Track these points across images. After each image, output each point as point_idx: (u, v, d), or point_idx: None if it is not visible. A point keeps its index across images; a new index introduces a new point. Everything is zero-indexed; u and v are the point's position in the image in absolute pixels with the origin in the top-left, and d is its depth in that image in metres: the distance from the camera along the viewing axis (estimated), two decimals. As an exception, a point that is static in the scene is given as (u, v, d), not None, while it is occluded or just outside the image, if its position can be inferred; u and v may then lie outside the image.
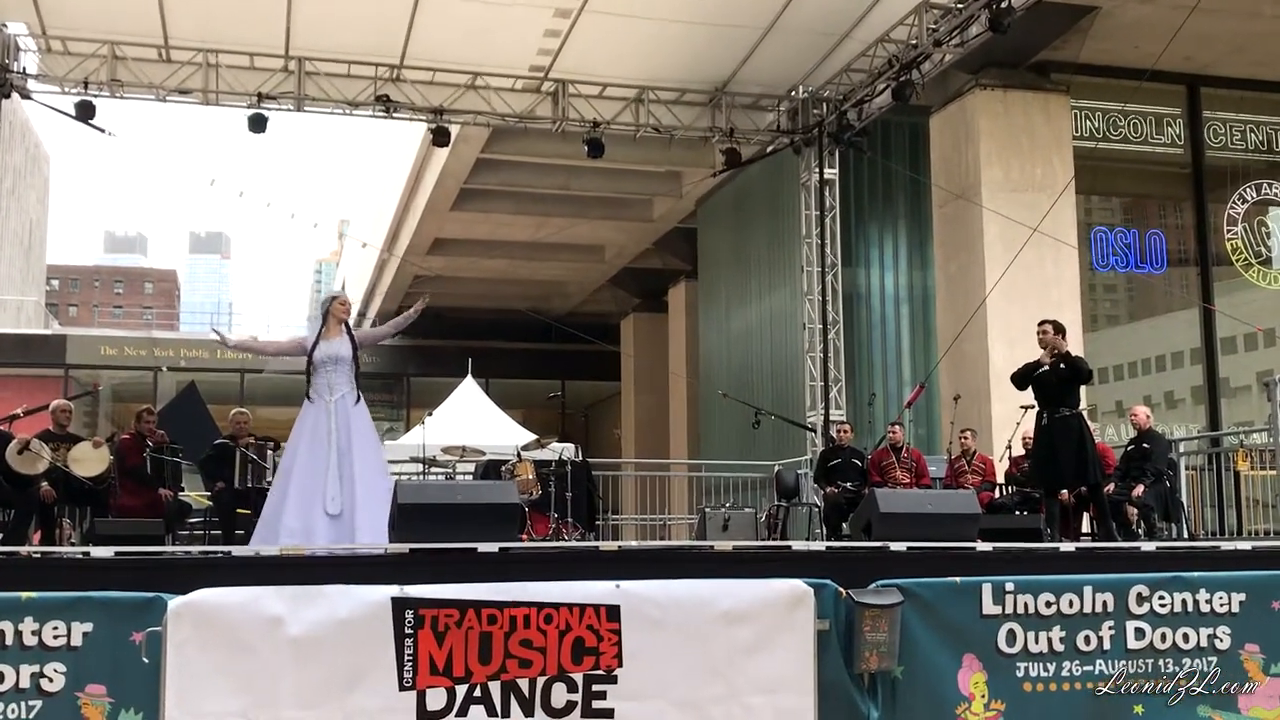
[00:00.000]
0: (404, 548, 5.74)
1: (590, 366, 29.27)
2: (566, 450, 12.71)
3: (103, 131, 13.03)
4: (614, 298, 28.57)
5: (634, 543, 7.18)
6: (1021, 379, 9.60)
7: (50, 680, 4.95)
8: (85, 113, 12.89)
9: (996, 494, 11.92)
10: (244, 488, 10.17)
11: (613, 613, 5.30)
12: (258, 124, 13.23)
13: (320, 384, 7.74)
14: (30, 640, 4.95)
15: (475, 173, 20.61)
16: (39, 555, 6.07)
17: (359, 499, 7.38)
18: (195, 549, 7.13)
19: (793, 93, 14.92)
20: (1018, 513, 11.11)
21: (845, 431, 12.29)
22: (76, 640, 4.97)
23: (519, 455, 11.37)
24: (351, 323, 7.95)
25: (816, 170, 14.59)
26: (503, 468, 11.41)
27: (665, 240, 24.02)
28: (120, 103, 13.44)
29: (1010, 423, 11.80)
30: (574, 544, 7.04)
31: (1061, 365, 9.36)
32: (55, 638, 4.96)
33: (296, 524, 7.24)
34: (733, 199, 20.13)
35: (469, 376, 19.64)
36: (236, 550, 6.55)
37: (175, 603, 5.01)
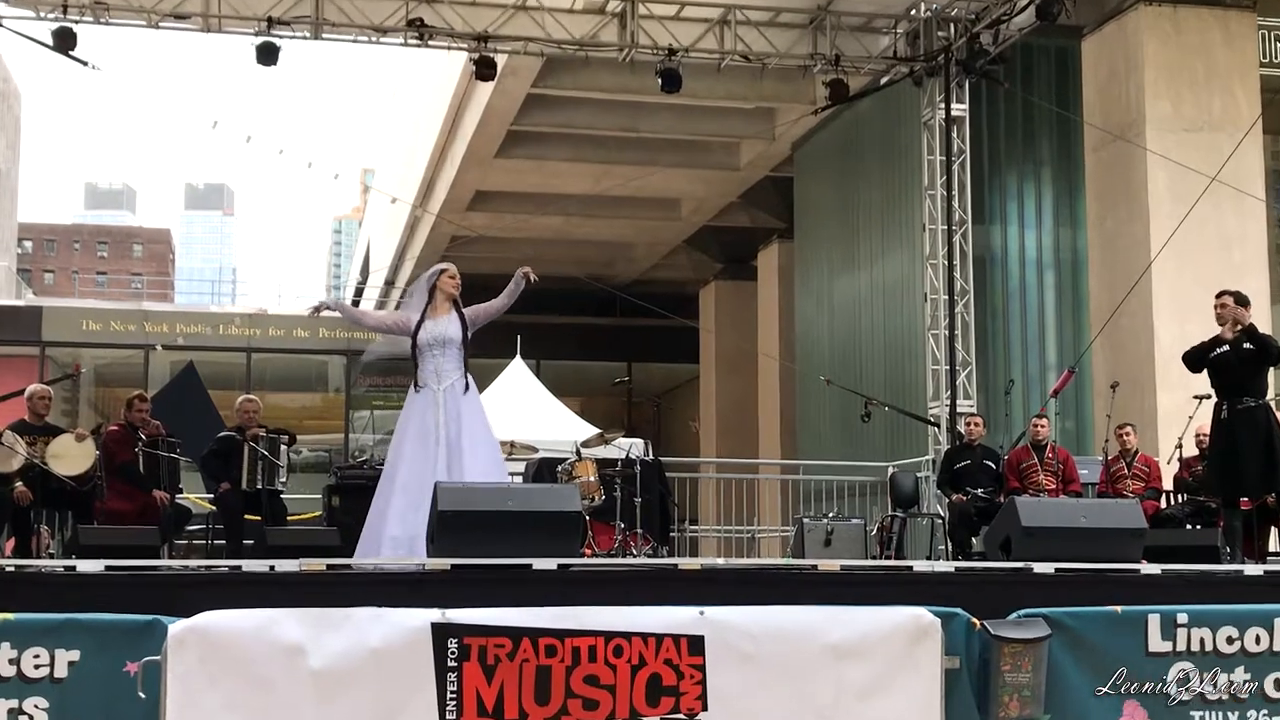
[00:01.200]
0: (445, 563, 5.78)
1: (662, 346, 29.28)
2: (635, 447, 12.72)
3: (85, 65, 13.24)
4: (691, 262, 28.51)
5: (719, 560, 7.18)
6: (1195, 361, 9.42)
7: (31, 718, 5.04)
8: (64, 42, 13.09)
9: (1164, 503, 11.75)
10: (253, 489, 10.33)
11: (695, 645, 5.29)
12: (268, 55, 13.37)
13: (426, 370, 8.01)
14: (6, 670, 5.04)
15: (525, 112, 20.67)
16: (14, 569, 6.16)
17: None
18: (198, 563, 7.26)
19: (913, 11, 14.73)
20: (1190, 527, 10.93)
21: (976, 426, 12.19)
22: (61, 671, 5.07)
23: (578, 453, 11.41)
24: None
25: (941, 106, 14.43)
26: (559, 468, 11.45)
27: (754, 193, 23.91)
28: (105, 30, 13.67)
29: (1181, 416, 11.61)
30: (647, 561, 7.05)
31: (1246, 344, 9.15)
32: (36, 668, 5.06)
33: (401, 532, 7.42)
34: (838, 142, 19.98)
35: (517, 358, 19.74)
36: (247, 564, 6.66)
37: (176, 627, 5.08)
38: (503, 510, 6.04)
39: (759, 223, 25.07)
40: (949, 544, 12.25)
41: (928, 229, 14.47)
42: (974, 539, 12.13)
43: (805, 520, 12.35)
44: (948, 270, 14.22)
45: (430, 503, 6.77)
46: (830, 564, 6.10)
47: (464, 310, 8.27)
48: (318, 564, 5.97)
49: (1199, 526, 11.42)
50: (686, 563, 6.16)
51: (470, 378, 8.08)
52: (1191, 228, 13.72)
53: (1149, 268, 13.92)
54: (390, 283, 33.37)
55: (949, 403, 13.89)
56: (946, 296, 14.23)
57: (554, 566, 5.78)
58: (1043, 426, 11.92)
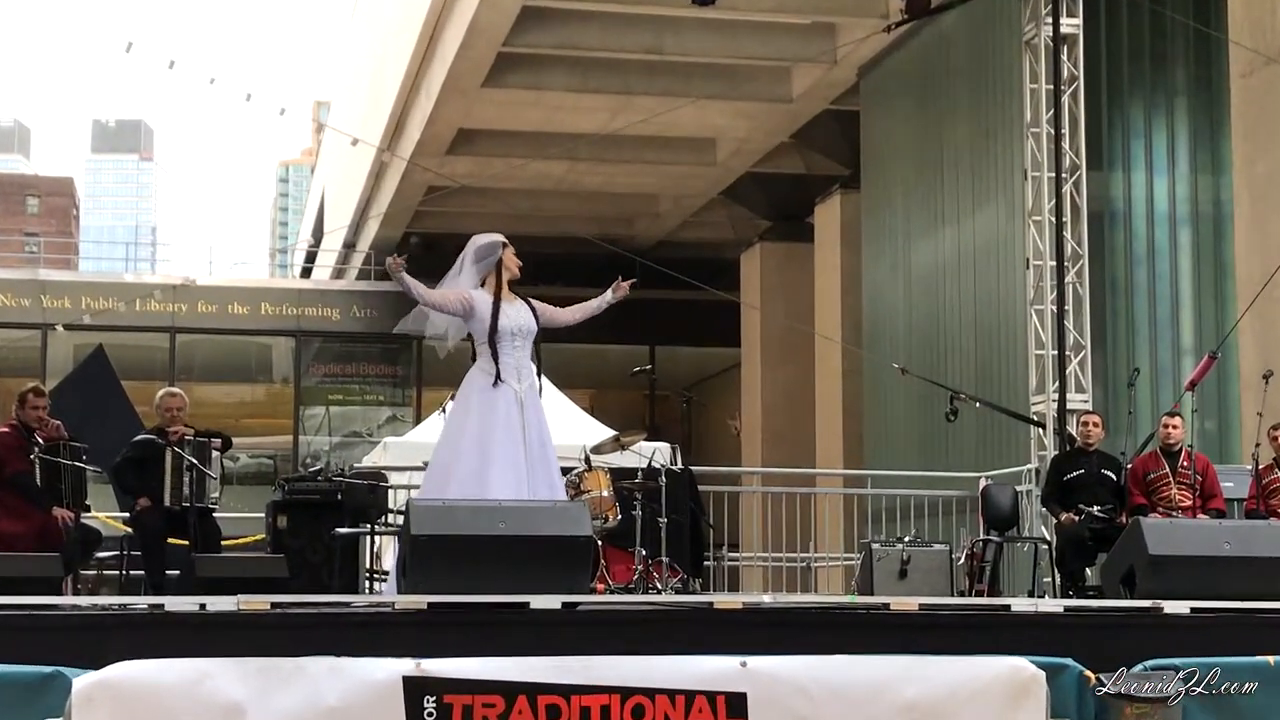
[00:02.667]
0: (420, 601, 5.82)
1: (694, 325, 29.28)
2: (659, 453, 12.74)
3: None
4: (731, 220, 28.51)
5: (765, 597, 7.19)
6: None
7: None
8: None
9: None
10: (178, 506, 10.36)
11: (736, 705, 5.30)
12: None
13: (508, 364, 8.50)
14: None
15: (520, 28, 20.67)
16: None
17: None
18: (110, 599, 7.30)
19: (1011, -100, 14.66)
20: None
21: (1093, 427, 12.14)
22: (-62, 735, 5.09)
23: (587, 461, 11.39)
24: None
25: (1049, 21, 14.36)
26: (564, 480, 11.46)
27: (810, 131, 23.88)
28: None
29: (1351, 415, 11.60)
30: (675, 598, 7.08)
31: None
32: (-95, 733, 5.09)
33: None
34: (916, 68, 19.94)
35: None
36: (171, 602, 6.67)
37: (83, 682, 5.10)
38: (493, 534, 6.08)
39: (816, 169, 25.04)
40: (1056, 576, 12.22)
41: (1030, 177, 14.40)
42: (1088, 570, 12.10)
43: (875, 546, 12.32)
44: (1056, 230, 14.15)
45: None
46: (906, 602, 6.10)
47: (533, 302, 8.76)
48: (260, 602, 5.99)
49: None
50: (724, 600, 6.17)
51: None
52: (1366, 175, 13.67)
53: (1312, 226, 13.89)
54: (350, 246, 33.48)
55: (1057, 398, 13.83)
56: (1054, 263, 14.16)
57: (558, 605, 5.80)
58: (1176, 428, 11.86)
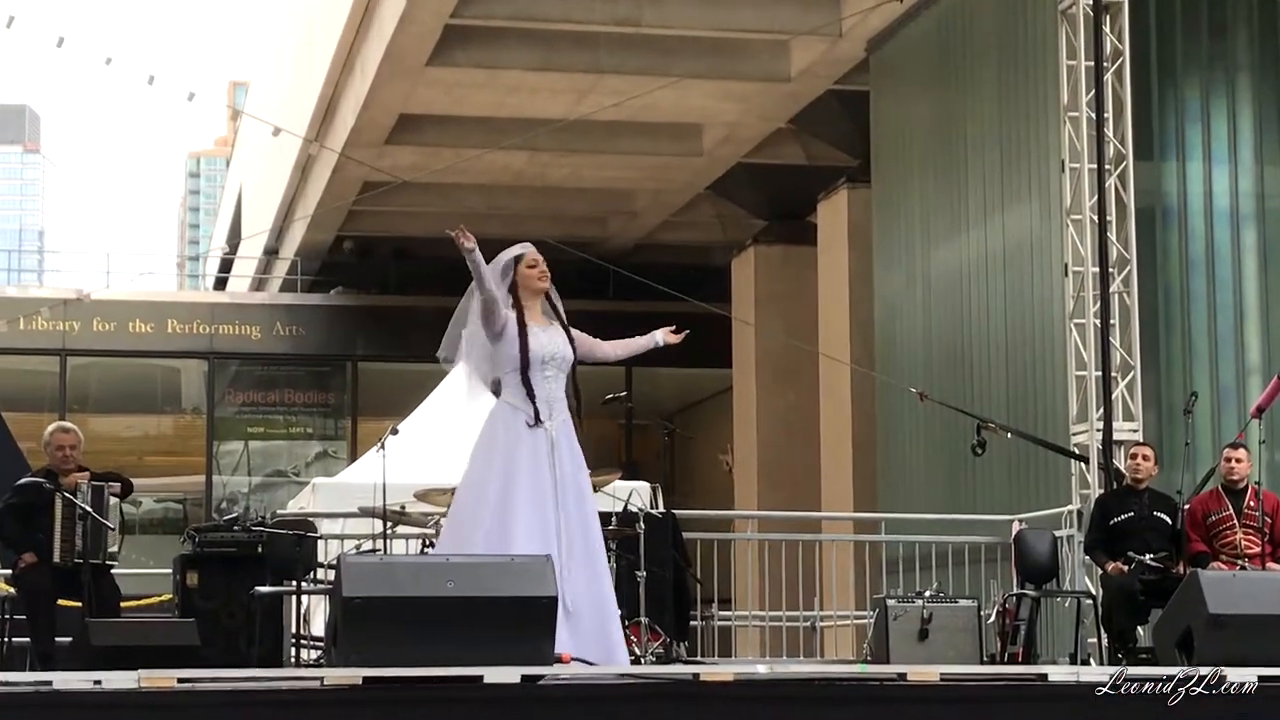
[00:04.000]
0: (354, 675, 5.79)
1: (676, 345, 29.24)
2: (637, 495, 12.75)
3: None
4: (720, 219, 28.49)
5: (761, 666, 7.17)
6: None
7: None
8: None
9: None
10: (69, 562, 10.33)
11: (727, 795, 5.29)
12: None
13: (541, 395, 8.53)
14: None
15: (470, -2, 20.67)
16: None
17: (604, 581, 8.20)
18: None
19: None
20: None
21: (1144, 461, 12.19)
22: None
23: (553, 505, 11.41)
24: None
25: (1089, -13, 14.43)
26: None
27: (812, 115, 23.88)
28: None
29: None
30: (653, 670, 7.06)
31: None
32: None
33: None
34: (935, 41, 19.96)
35: (460, 361, 19.77)
36: (60, 678, 6.61)
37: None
38: (440, 596, 6.06)
39: (819, 159, 25.03)
40: (1103, 637, 12.23)
41: (1069, 169, 14.43)
42: (1140, 629, 12.12)
43: (890, 603, 12.33)
44: (1099, 231, 14.20)
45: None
46: (926, 672, 6.09)
47: (567, 325, 8.84)
48: (166, 677, 5.95)
49: None
50: (713, 671, 6.14)
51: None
52: None
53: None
54: (272, 252, 33.41)
55: (1102, 427, 13.86)
56: (1097, 269, 14.20)
57: (516, 679, 5.78)
58: (1240, 461, 11.88)
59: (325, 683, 5.94)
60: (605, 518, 11.55)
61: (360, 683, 5.79)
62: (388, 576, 6.17)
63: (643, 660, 11.38)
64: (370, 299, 31.43)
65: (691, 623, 13.66)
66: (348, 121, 24.54)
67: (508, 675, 5.80)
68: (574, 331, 8.84)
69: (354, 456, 27.96)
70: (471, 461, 8.62)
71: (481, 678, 5.81)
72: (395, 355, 29.99)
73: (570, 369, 8.68)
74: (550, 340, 8.64)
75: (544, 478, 8.30)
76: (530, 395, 8.47)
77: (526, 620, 6.14)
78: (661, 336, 9.11)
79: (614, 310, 28.87)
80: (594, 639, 7.76)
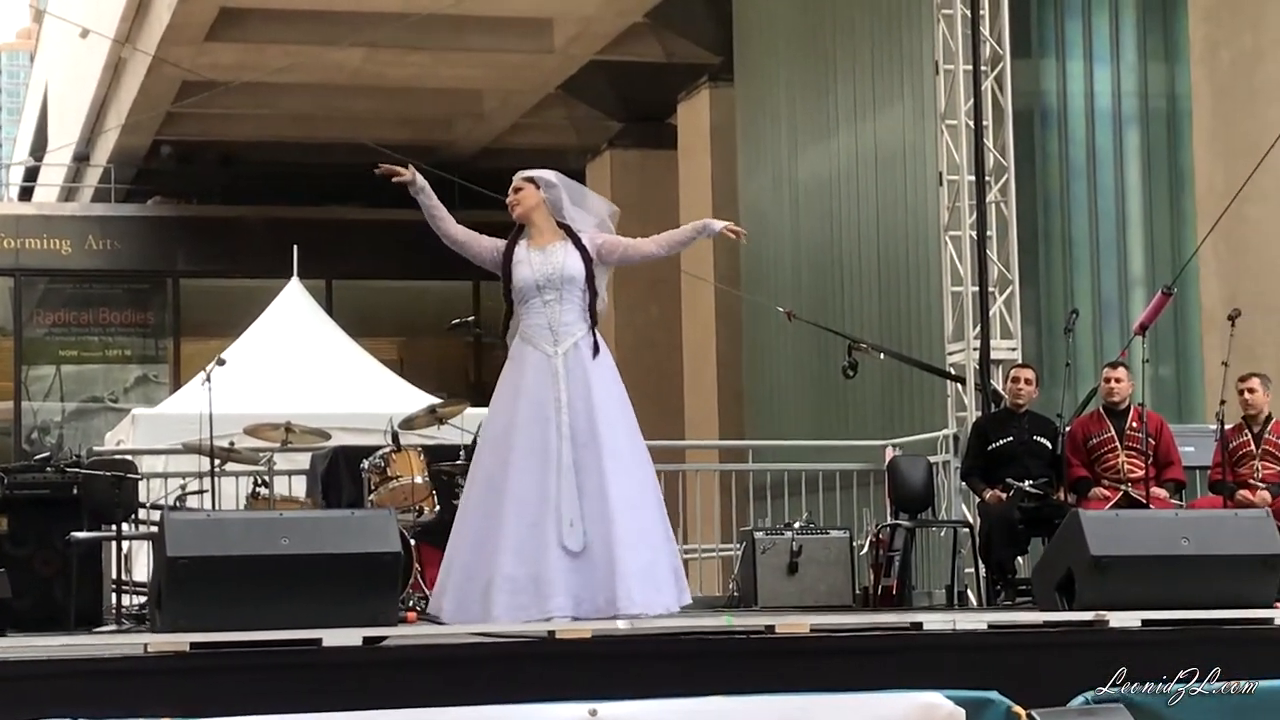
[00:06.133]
0: (180, 641, 5.73)
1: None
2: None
3: None
4: (573, 121, 28.39)
5: (621, 622, 7.15)
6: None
7: None
8: None
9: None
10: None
11: (587, 762, 5.29)
12: None
13: (535, 324, 8.57)
14: None
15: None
16: None
17: (616, 519, 8.12)
18: None
19: None
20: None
21: (1025, 385, 12.29)
22: None
23: (395, 438, 11.39)
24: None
25: (964, -128, 14.43)
26: (365, 463, 11.42)
27: (670, 8, 23.79)
28: None
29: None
30: (506, 629, 7.05)
31: None
32: None
33: (520, 570, 7.86)
34: (799, -71, 19.94)
35: (294, 279, 19.61)
36: None
37: None
38: (274, 554, 6.02)
39: (678, 57, 24.97)
40: (981, 568, 12.38)
41: (943, 70, 14.44)
42: (1020, 559, 12.27)
43: (758, 535, 12.38)
44: (975, 136, 14.24)
45: (552, 524, 7.68)
46: (795, 623, 6.13)
47: (582, 236, 8.73)
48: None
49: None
50: (569, 629, 6.15)
51: (599, 335, 8.66)
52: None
53: (1290, 128, 14.05)
54: (83, 159, 32.86)
55: (979, 346, 13.95)
56: (973, 177, 14.27)
57: (358, 641, 5.75)
58: (1119, 380, 12.00)
59: (149, 649, 5.88)
60: (453, 451, 11.59)
61: (188, 649, 5.74)
62: (216, 534, 6.10)
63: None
64: (192, 209, 31.06)
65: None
66: (163, 17, 24.10)
67: (348, 638, 5.78)
68: (604, 237, 8.82)
69: (177, 381, 27.72)
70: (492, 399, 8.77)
71: (320, 641, 5.77)
72: (220, 270, 29.74)
73: (586, 281, 8.63)
74: (546, 261, 8.64)
75: (546, 409, 8.34)
76: (509, 317, 8.67)
77: (369, 578, 6.10)
78: (719, 225, 9.17)
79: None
80: (604, 584, 7.81)
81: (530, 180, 8.82)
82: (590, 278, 8.63)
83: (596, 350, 8.56)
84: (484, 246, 8.88)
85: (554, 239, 8.69)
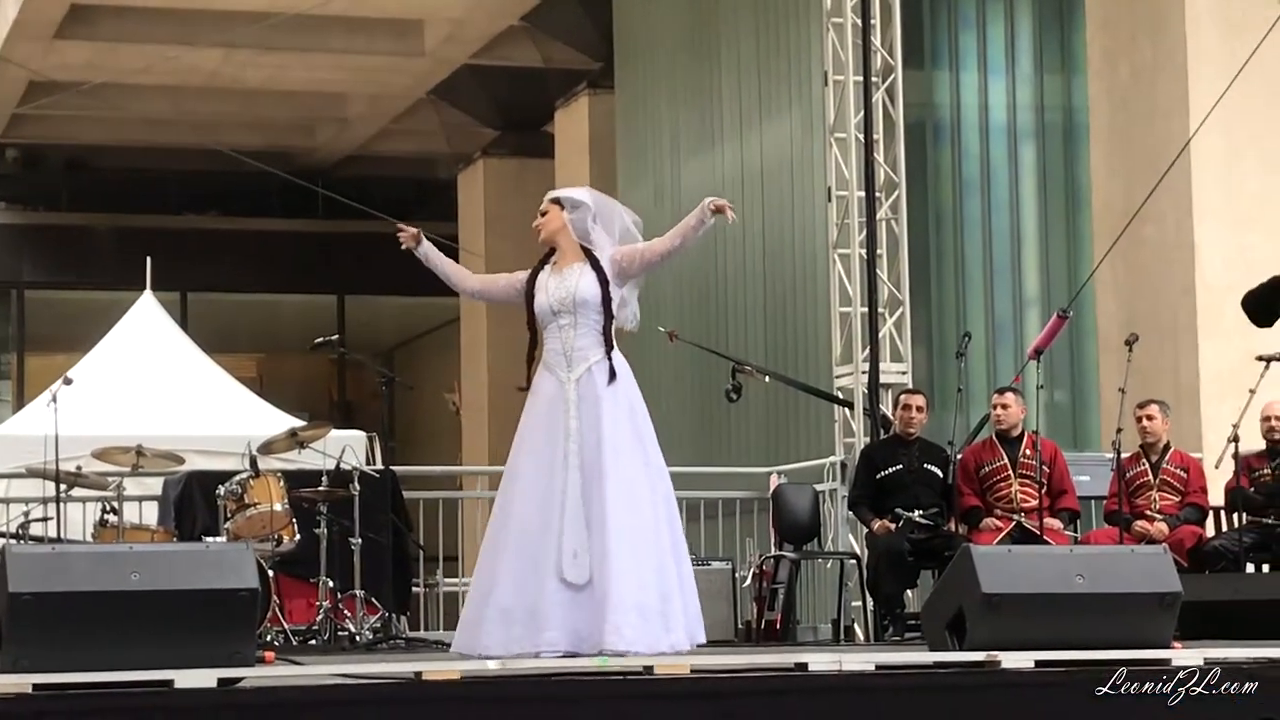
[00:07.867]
0: (22, 683, 5.69)
1: (396, 267, 28.78)
2: (350, 450, 12.66)
3: None
4: (444, 127, 28.30)
5: (491, 662, 7.11)
6: (1264, 305, 9.70)
7: None
8: None
9: (1211, 529, 12.03)
10: None
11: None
12: None
13: (551, 350, 8.66)
14: None
15: None
16: None
17: (612, 551, 8.16)
18: None
19: None
20: (1255, 568, 11.22)
21: (916, 412, 12.35)
22: None
23: (253, 463, 11.33)
24: None
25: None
26: (220, 489, 11.40)
27: (547, 11, 23.77)
28: None
29: (1239, 387, 11.88)
30: (367, 670, 6.99)
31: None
32: None
33: (514, 602, 8.04)
34: (684, -70, 19.97)
35: (146, 291, 19.43)
36: None
37: None
38: (123, 590, 5.94)
39: (556, 62, 24.97)
40: (868, 601, 12.41)
41: (832, 81, 14.51)
42: (909, 592, 12.32)
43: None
44: (865, 149, 14.31)
45: (552, 557, 7.85)
46: (675, 665, 6.11)
47: (598, 255, 8.70)
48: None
49: (1268, 568, 11.70)
50: (438, 670, 6.10)
51: (618, 359, 8.66)
52: (1255, 80, 13.92)
53: (1187, 146, 14.12)
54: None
55: (868, 369, 14.01)
56: (863, 193, 14.33)
57: (212, 683, 5.69)
58: (1006, 407, 12.07)
59: (-13, 694, 5.81)
60: (314, 477, 11.56)
61: (30, 691, 5.67)
62: (61, 568, 6.03)
63: (358, 635, 11.35)
64: (38, 216, 30.63)
65: (414, 589, 13.64)
66: (9, 13, 23.81)
67: (202, 679, 5.71)
68: (621, 249, 8.79)
69: (20, 399, 27.39)
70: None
71: (172, 682, 5.71)
72: (68, 281, 29.41)
73: (602, 304, 8.60)
74: (559, 285, 8.65)
75: (556, 437, 8.42)
76: (534, 349, 8.67)
77: (224, 616, 6.03)
78: (708, 210, 8.86)
79: (324, 231, 28.70)
80: (598, 623, 7.85)
81: (556, 202, 8.85)
82: (607, 300, 8.62)
83: (613, 376, 8.57)
84: (500, 288, 9.03)
85: (574, 261, 8.71)
